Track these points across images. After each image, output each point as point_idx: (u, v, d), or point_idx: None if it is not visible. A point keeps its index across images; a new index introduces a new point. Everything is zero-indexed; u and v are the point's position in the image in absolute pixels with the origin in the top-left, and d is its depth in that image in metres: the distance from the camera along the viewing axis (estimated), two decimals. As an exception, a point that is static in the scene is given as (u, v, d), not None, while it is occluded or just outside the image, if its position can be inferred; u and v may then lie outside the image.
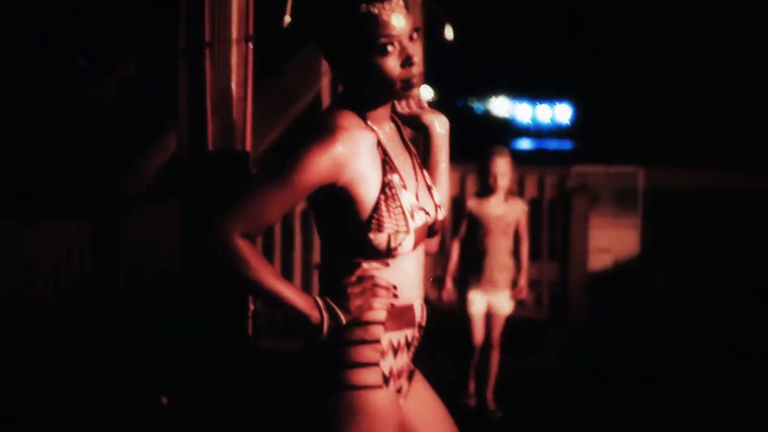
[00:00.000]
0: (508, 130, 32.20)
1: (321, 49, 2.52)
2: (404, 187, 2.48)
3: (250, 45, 2.90)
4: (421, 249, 2.59)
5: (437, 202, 2.63)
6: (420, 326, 2.59)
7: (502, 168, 5.37)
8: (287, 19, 4.03)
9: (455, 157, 2.93)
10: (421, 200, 2.54)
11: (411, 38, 2.42)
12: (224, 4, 2.85)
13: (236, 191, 2.38)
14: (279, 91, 5.68)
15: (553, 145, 29.72)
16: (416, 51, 2.43)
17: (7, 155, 6.69)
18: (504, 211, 5.45)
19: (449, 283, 5.54)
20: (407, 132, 2.71)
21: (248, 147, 2.89)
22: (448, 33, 5.92)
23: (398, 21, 2.38)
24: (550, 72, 29.65)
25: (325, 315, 2.41)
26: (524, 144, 29.45)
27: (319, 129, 2.41)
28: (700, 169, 9.49)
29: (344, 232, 2.45)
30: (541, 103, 35.65)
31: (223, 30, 2.84)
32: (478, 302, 5.41)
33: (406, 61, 2.41)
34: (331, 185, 2.39)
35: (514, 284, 5.48)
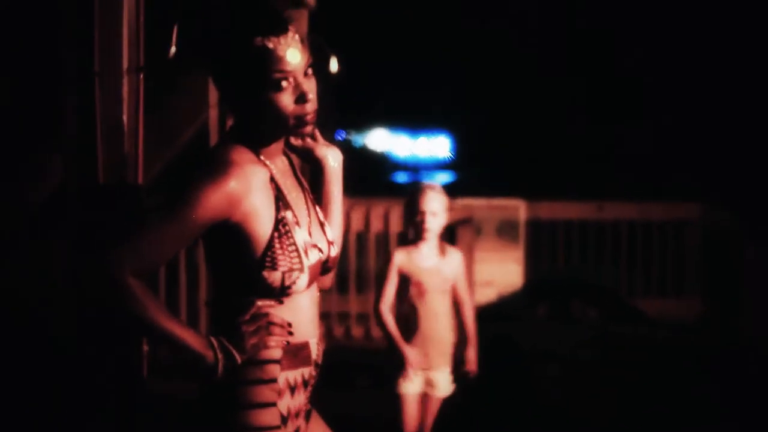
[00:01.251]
0: (386, 163, 32.34)
1: (214, 82, 2.47)
2: (297, 224, 2.44)
3: (141, 75, 2.84)
4: (315, 286, 2.55)
5: (330, 239, 2.60)
6: (316, 364, 2.54)
7: (434, 206, 4.33)
8: (173, 49, 3.96)
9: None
10: (314, 237, 2.51)
11: (306, 74, 2.38)
12: (114, 33, 2.78)
13: (128, 227, 2.31)
14: (165, 122, 5.58)
15: (431, 177, 29.96)
16: (311, 87, 2.39)
17: None
18: (439, 264, 4.41)
19: (409, 352, 4.33)
20: (298, 163, 2.67)
21: (140, 179, 2.82)
22: (333, 65, 5.88)
23: (293, 56, 2.34)
24: (429, 104, 29.92)
25: (220, 355, 2.34)
26: (402, 177, 29.60)
27: (211, 165, 2.35)
28: (579, 202, 9.64)
29: (237, 269, 2.40)
30: (419, 136, 35.91)
31: (112, 60, 2.77)
32: (412, 380, 4.37)
33: (300, 98, 2.37)
34: (225, 222, 2.33)
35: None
